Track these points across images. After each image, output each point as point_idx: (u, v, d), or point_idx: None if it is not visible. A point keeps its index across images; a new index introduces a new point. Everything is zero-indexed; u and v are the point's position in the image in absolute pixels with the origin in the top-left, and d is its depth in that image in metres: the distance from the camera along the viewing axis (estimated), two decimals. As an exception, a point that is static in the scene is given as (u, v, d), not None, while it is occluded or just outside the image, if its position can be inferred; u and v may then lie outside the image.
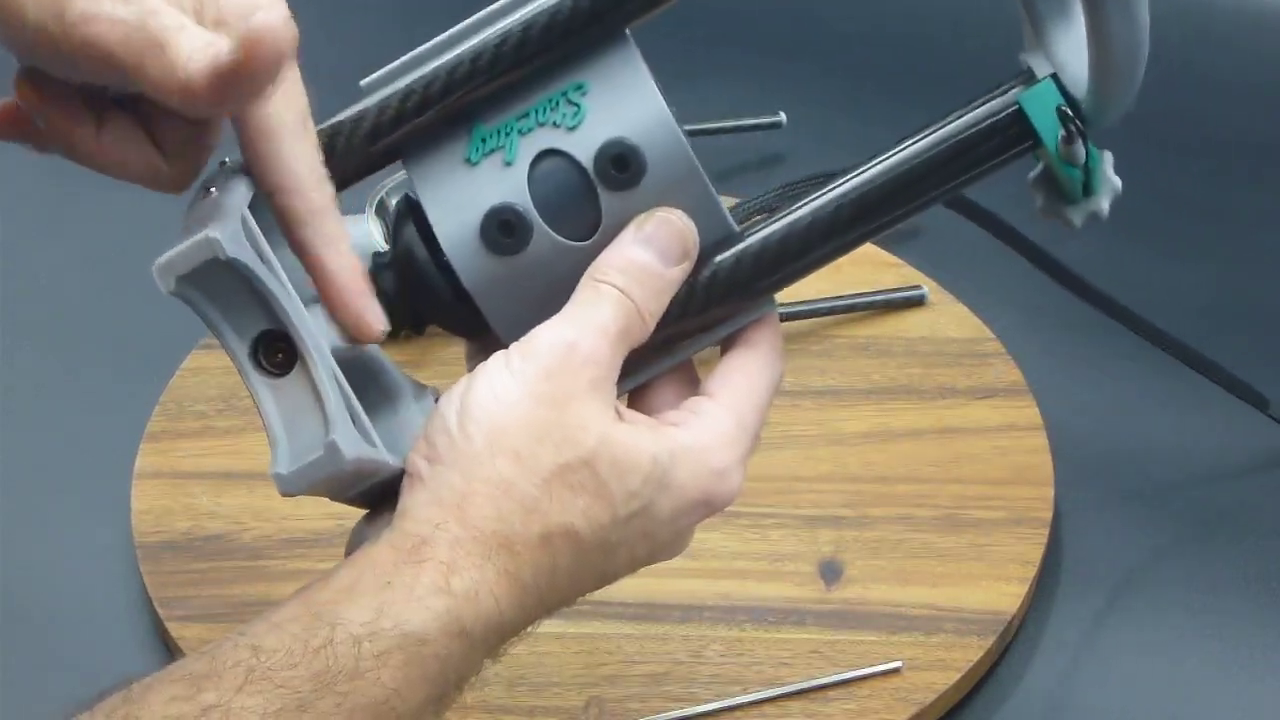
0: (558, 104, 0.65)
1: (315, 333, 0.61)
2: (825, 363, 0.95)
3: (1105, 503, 0.89)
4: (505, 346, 0.64)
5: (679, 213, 0.64)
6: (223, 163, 0.65)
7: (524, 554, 0.61)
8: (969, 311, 0.97)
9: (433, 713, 0.61)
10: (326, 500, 0.88)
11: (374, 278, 0.66)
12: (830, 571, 0.84)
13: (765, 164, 1.13)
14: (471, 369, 0.64)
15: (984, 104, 0.67)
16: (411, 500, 0.62)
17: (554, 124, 0.65)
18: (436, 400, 0.66)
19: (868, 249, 1.00)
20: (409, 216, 0.67)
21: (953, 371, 0.94)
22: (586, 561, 0.63)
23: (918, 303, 0.98)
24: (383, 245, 0.93)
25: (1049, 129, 0.65)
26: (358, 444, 0.61)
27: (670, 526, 0.64)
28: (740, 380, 0.66)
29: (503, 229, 0.64)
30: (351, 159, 0.67)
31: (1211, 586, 0.84)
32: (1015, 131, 0.66)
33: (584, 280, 0.64)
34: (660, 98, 0.65)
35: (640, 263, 0.63)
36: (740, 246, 0.66)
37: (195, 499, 0.88)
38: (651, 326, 0.64)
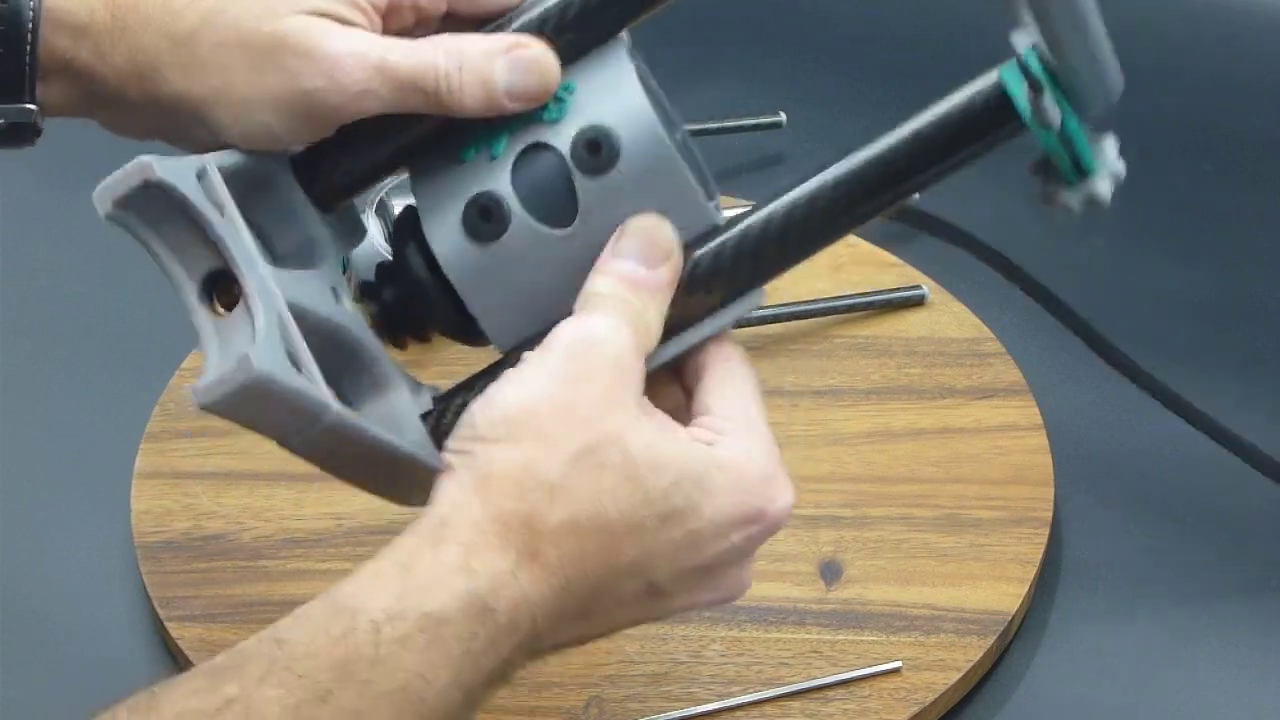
0: (546, 103, 0.66)
1: (265, 275, 0.61)
2: (825, 363, 0.95)
3: (1105, 503, 0.89)
4: (490, 342, 0.65)
5: (651, 216, 0.65)
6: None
7: (548, 536, 0.60)
8: (969, 311, 0.97)
9: (462, 703, 0.59)
10: (327, 500, 0.88)
11: (376, 289, 0.68)
12: (830, 571, 0.84)
13: (765, 164, 1.13)
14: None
15: (971, 84, 0.67)
16: (438, 489, 0.62)
17: (540, 119, 0.66)
18: (434, 398, 0.66)
19: (868, 249, 1.00)
20: (408, 225, 0.68)
21: (953, 371, 0.94)
22: (620, 555, 0.61)
23: (918, 303, 0.98)
24: (385, 247, 0.93)
25: (1022, 95, 0.65)
26: (278, 364, 0.60)
27: (719, 538, 0.63)
28: (739, 397, 0.66)
29: (482, 215, 0.65)
30: None
31: (1211, 586, 0.84)
32: (998, 107, 0.65)
33: (580, 299, 0.64)
34: (638, 86, 0.66)
35: (624, 273, 0.64)
36: (721, 239, 0.67)
37: (195, 499, 0.88)
38: (658, 331, 0.64)
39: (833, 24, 1.27)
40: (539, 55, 0.65)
